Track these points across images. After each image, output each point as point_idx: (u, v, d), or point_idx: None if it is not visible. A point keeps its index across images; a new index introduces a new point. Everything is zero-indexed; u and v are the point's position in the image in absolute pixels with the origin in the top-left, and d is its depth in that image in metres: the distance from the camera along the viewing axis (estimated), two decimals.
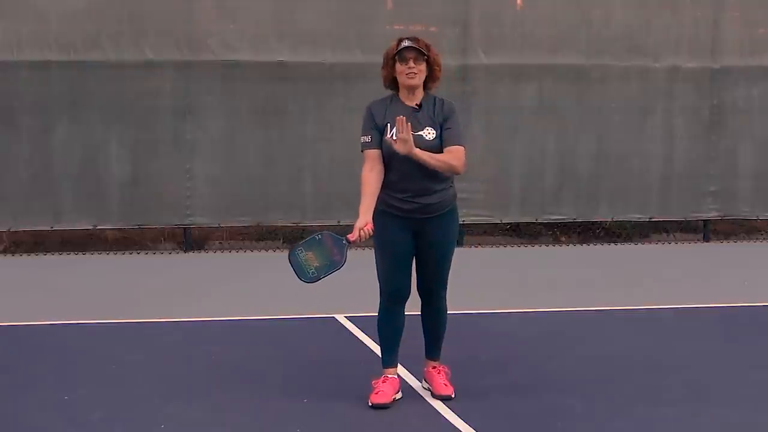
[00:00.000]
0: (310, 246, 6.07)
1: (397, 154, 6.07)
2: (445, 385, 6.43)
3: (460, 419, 6.03)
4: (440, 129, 6.19)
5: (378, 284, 6.34)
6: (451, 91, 11.49)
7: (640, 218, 12.21)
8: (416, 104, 6.25)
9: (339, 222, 11.60)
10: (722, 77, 12.16)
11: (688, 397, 6.51)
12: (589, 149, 12.00)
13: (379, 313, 6.39)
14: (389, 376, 6.39)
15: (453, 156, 6.15)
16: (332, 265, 6.04)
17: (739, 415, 6.21)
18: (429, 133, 6.18)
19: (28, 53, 10.92)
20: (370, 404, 6.25)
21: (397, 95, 6.30)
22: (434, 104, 6.27)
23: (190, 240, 11.42)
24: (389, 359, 6.41)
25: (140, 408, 6.22)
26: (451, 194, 6.32)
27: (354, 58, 11.37)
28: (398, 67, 6.20)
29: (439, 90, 12.42)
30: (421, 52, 6.20)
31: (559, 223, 12.18)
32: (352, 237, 6.06)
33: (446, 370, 6.53)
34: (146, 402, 6.33)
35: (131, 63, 11.05)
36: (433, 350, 6.54)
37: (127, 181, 11.18)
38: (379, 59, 12.05)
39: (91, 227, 11.21)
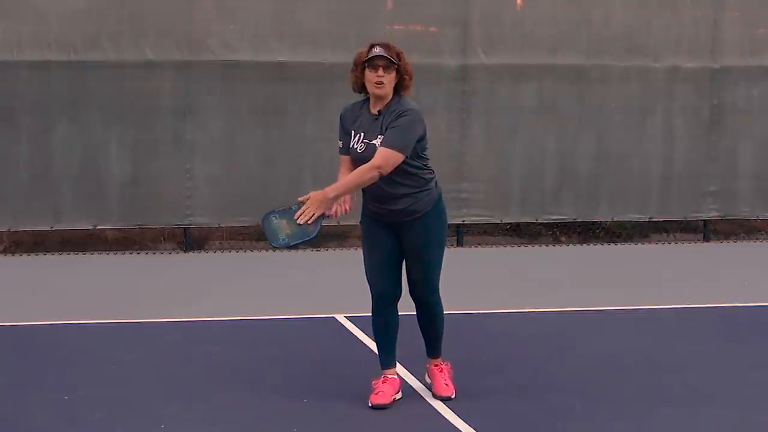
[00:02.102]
0: (284, 215, 6.02)
1: (357, 161, 6.08)
2: (446, 385, 6.44)
3: (460, 419, 6.03)
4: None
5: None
6: (451, 91, 11.57)
7: (640, 218, 12.20)
8: (378, 111, 6.14)
9: (339, 222, 11.60)
10: (722, 77, 12.16)
11: (688, 397, 6.52)
12: (589, 149, 12.00)
13: (372, 315, 6.40)
14: (389, 376, 6.39)
15: (360, 171, 6.00)
16: (304, 234, 5.96)
17: (739, 415, 6.21)
18: (380, 141, 6.09)
19: (28, 53, 10.91)
20: (370, 405, 6.26)
21: (365, 100, 6.23)
22: (393, 111, 6.09)
23: (190, 240, 11.41)
24: (387, 360, 6.41)
25: (140, 408, 6.23)
26: (425, 199, 6.20)
27: (353, 58, 11.34)
28: (367, 73, 6.09)
29: (439, 90, 12.48)
30: (392, 60, 6.07)
31: (559, 223, 12.18)
32: (328, 211, 6.04)
33: (448, 367, 6.55)
34: (146, 402, 6.34)
35: (131, 63, 11.04)
36: (432, 350, 6.55)
37: (127, 181, 11.18)
38: None
39: (91, 227, 11.21)
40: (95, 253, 11.18)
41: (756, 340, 7.89)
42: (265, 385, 6.66)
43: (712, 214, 12.28)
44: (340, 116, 6.28)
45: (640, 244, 12.20)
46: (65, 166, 11.05)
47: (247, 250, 11.47)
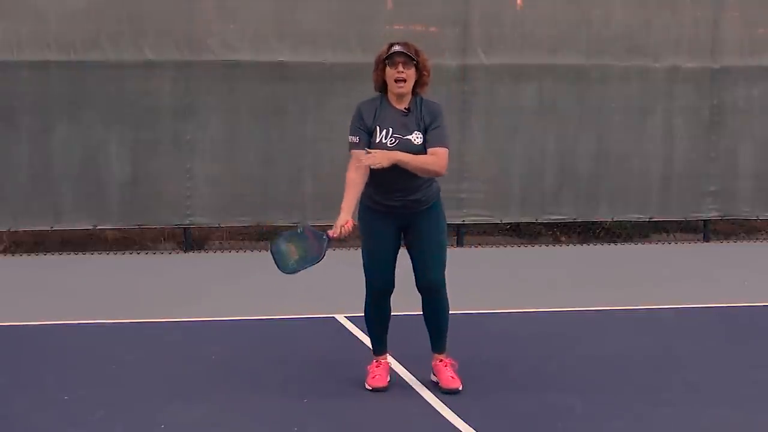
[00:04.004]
0: (291, 238, 6.24)
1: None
2: (452, 378, 6.53)
3: (459, 419, 6.03)
4: (425, 132, 6.31)
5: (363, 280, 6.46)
6: (451, 91, 11.56)
7: (640, 218, 12.20)
8: (405, 108, 6.34)
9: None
10: (722, 77, 12.16)
11: (688, 397, 6.52)
12: (589, 149, 12.00)
13: (366, 307, 6.54)
14: (382, 361, 6.58)
15: (433, 159, 6.27)
16: (311, 259, 6.20)
17: (738, 414, 6.22)
18: (417, 137, 6.31)
19: (28, 53, 10.91)
20: (369, 388, 6.47)
21: (386, 97, 6.40)
22: (420, 107, 6.37)
23: (190, 240, 11.41)
24: (381, 348, 6.61)
25: (140, 408, 6.23)
26: (434, 189, 6.46)
27: (354, 58, 11.36)
28: (388, 71, 6.33)
29: (438, 90, 12.48)
30: (410, 57, 6.29)
31: (559, 223, 12.18)
32: (332, 233, 6.18)
33: (452, 362, 6.61)
34: (146, 402, 6.34)
35: (131, 63, 11.04)
36: (437, 344, 6.63)
37: (127, 181, 11.18)
38: None
39: (91, 227, 11.21)
40: (95, 253, 11.18)
41: (756, 340, 7.90)
42: (265, 385, 6.66)
43: (712, 214, 12.28)
44: (358, 112, 6.38)
45: (640, 244, 12.20)
46: (65, 166, 11.04)
47: (247, 250, 11.47)
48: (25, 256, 11.05)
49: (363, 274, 6.47)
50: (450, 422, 6.02)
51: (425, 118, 6.32)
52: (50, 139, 11.03)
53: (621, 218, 12.20)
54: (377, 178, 6.27)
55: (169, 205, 11.26)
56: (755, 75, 12.23)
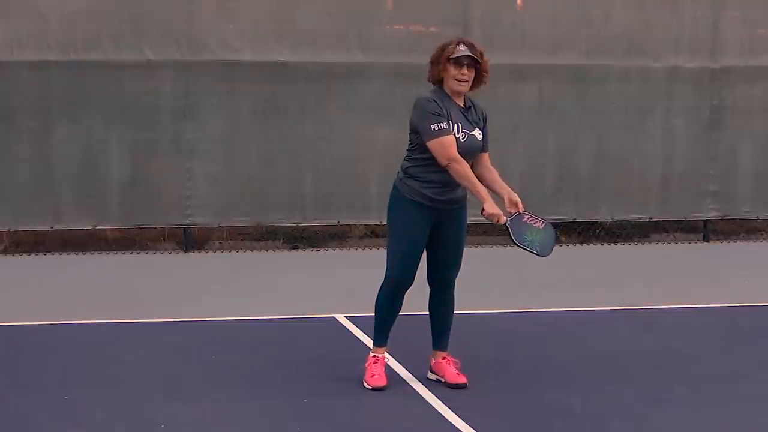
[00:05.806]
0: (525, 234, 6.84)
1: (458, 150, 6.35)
2: (458, 374, 6.58)
3: (459, 419, 6.03)
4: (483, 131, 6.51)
5: (385, 272, 6.49)
6: None
7: (640, 218, 12.20)
8: (463, 104, 6.47)
9: (339, 222, 11.60)
10: (722, 77, 12.15)
11: (688, 397, 6.52)
12: (589, 149, 11.99)
13: (381, 297, 6.53)
14: (378, 356, 6.58)
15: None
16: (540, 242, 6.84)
17: (739, 414, 6.22)
18: (479, 135, 6.48)
19: (28, 53, 10.90)
20: (369, 387, 6.47)
21: (444, 92, 6.45)
22: (474, 105, 6.53)
23: (190, 240, 11.41)
24: (384, 340, 6.60)
25: (140, 408, 6.23)
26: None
27: (354, 58, 11.36)
28: (451, 69, 6.38)
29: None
30: (477, 59, 6.39)
31: (559, 223, 12.16)
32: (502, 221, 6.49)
33: (456, 360, 6.66)
34: (146, 402, 6.34)
35: (131, 63, 11.04)
36: (441, 341, 6.68)
37: (127, 181, 11.17)
38: (379, 59, 12.10)
39: (91, 227, 11.21)
40: (95, 253, 11.18)
41: (756, 340, 7.90)
42: (265, 385, 6.66)
43: (712, 214, 12.28)
44: (433, 102, 6.36)
45: (640, 244, 12.20)
46: (65, 166, 11.04)
47: (247, 250, 11.47)
48: (25, 256, 11.05)
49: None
50: (450, 422, 6.02)
51: (480, 119, 6.51)
52: (50, 139, 11.02)
53: (621, 218, 12.19)
54: (436, 170, 6.34)
55: (169, 205, 11.25)
56: (755, 75, 12.22)
